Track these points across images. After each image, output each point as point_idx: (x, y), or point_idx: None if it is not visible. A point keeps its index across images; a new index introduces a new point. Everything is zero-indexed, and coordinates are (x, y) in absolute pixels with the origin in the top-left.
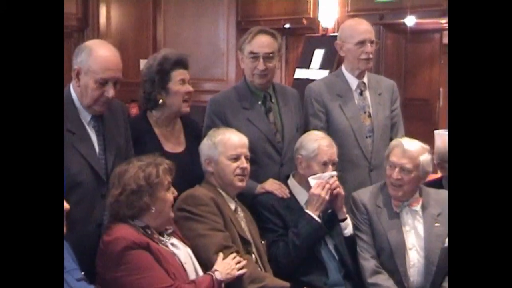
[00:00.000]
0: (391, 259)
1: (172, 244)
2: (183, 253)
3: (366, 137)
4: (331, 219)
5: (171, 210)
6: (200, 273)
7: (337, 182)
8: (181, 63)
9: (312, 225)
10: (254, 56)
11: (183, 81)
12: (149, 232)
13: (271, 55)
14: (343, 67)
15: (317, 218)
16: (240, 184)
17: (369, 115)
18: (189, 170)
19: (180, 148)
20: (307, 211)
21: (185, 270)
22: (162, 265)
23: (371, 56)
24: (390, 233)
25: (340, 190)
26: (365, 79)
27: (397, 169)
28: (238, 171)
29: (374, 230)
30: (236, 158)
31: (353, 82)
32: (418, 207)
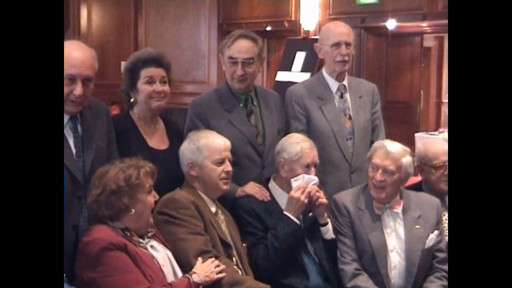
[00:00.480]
0: (372, 261)
1: (151, 247)
2: (161, 255)
3: (347, 140)
4: (313, 223)
5: (150, 214)
6: (179, 275)
7: (320, 193)
8: (152, 61)
9: (290, 227)
10: (233, 61)
11: (151, 79)
12: (128, 234)
13: (250, 60)
14: (323, 70)
15: (295, 220)
16: (225, 187)
17: (350, 118)
18: (174, 167)
19: (164, 146)
20: (285, 213)
21: (163, 272)
22: (139, 267)
23: (346, 58)
24: (371, 235)
25: (323, 200)
26: (346, 82)
27: (380, 171)
28: (223, 174)
29: (356, 233)
30: (221, 162)
31: (334, 84)
32: (399, 210)
